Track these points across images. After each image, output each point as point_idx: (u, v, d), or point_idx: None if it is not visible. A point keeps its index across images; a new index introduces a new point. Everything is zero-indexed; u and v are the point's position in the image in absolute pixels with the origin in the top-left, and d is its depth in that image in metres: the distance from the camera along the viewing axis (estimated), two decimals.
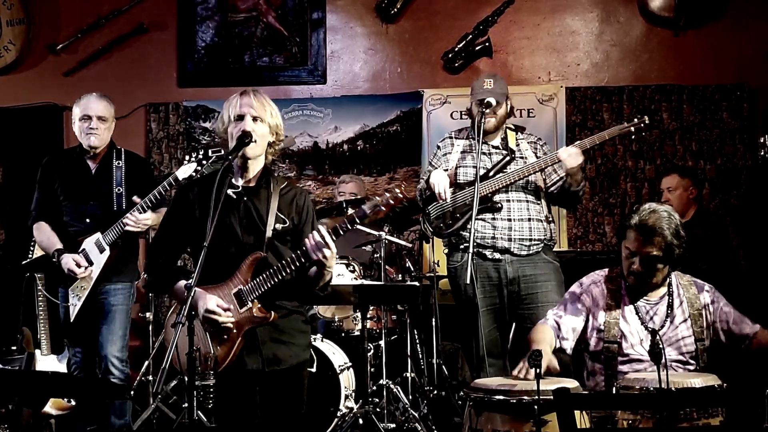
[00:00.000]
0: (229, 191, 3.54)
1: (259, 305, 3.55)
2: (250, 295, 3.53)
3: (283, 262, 3.50)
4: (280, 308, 3.61)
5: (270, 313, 3.55)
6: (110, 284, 5.04)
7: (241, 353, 3.56)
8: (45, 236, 5.04)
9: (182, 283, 3.61)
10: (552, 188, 4.98)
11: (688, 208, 5.98)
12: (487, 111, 4.89)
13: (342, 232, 3.47)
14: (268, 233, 3.57)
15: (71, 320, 4.99)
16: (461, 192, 4.91)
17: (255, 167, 3.66)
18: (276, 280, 3.51)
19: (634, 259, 3.77)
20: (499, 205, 4.85)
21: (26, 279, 5.65)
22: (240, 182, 3.63)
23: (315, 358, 5.56)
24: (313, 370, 5.49)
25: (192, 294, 3.26)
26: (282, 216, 3.62)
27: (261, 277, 3.52)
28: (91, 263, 4.95)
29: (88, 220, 5.01)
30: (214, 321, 3.49)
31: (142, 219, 4.83)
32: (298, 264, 3.48)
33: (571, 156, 4.74)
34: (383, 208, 3.42)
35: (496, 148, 5.01)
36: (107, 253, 4.94)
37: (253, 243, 3.58)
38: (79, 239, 4.98)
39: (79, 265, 4.90)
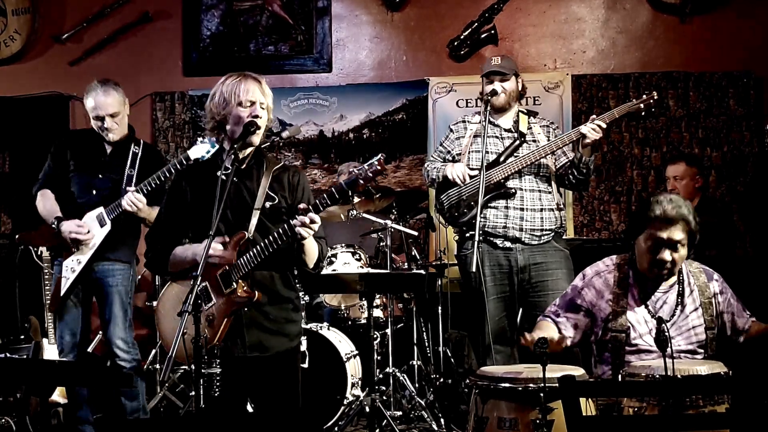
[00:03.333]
0: (221, 173, 3.53)
1: (245, 286, 3.53)
2: (236, 275, 3.53)
3: (267, 239, 3.49)
4: (270, 294, 3.60)
5: (254, 293, 3.53)
6: (106, 263, 5.00)
7: (227, 337, 3.54)
8: (48, 203, 5.03)
9: (179, 248, 3.65)
10: (561, 171, 4.97)
11: (694, 197, 5.98)
12: (498, 89, 4.94)
13: (322, 208, 3.46)
14: (255, 212, 3.58)
15: (62, 293, 4.94)
16: (473, 179, 4.88)
17: (248, 149, 3.67)
18: (260, 258, 3.50)
19: (662, 248, 3.71)
20: (513, 190, 4.84)
21: (20, 252, 5.57)
22: (229, 163, 3.61)
23: (307, 354, 5.55)
24: (305, 365, 5.47)
25: (197, 282, 3.25)
26: (272, 194, 3.63)
27: (246, 257, 3.51)
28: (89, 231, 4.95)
29: (94, 192, 5.00)
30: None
31: (137, 199, 4.78)
32: (281, 240, 3.47)
33: (597, 133, 4.72)
34: (361, 181, 3.43)
35: (508, 131, 5.01)
36: (108, 227, 4.91)
37: (240, 222, 3.58)
38: (83, 212, 4.98)
39: (80, 226, 4.89)
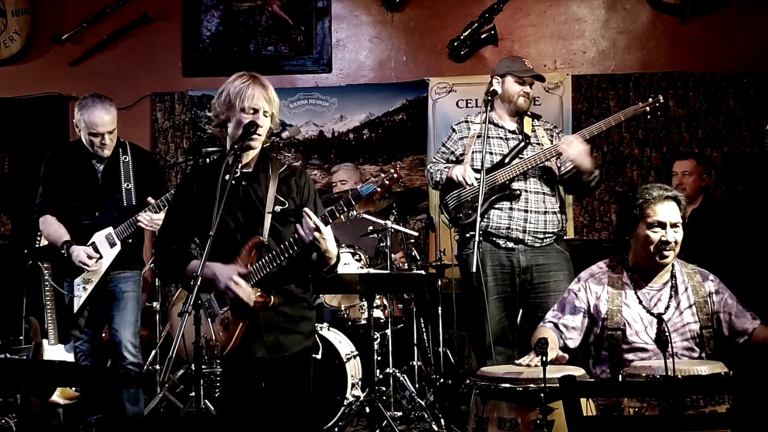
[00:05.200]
0: (227, 177, 3.52)
1: (259, 290, 3.54)
2: (251, 280, 3.53)
3: (281, 247, 3.51)
4: (284, 294, 3.61)
5: (270, 298, 3.54)
6: (119, 272, 5.05)
7: (244, 340, 3.55)
8: (52, 229, 5.01)
9: (195, 262, 3.61)
10: (565, 175, 4.96)
11: (698, 196, 6.01)
12: (528, 90, 4.98)
13: (338, 215, 3.49)
14: (267, 216, 3.58)
15: (74, 311, 4.99)
16: (478, 180, 4.87)
17: (253, 152, 3.67)
18: (275, 265, 3.52)
19: (665, 229, 3.79)
20: (518, 192, 4.83)
21: (28, 267, 5.63)
22: (238, 168, 3.61)
23: (320, 345, 5.57)
24: (318, 356, 5.50)
25: (197, 283, 3.25)
26: (281, 198, 3.63)
27: (261, 262, 3.53)
28: (100, 256, 4.96)
29: (97, 214, 5.02)
30: (235, 293, 3.46)
31: (155, 219, 4.83)
32: (293, 250, 3.49)
33: (571, 145, 4.75)
34: (378, 189, 3.44)
35: (513, 133, 5.00)
36: (118, 247, 4.97)
37: (253, 226, 3.58)
38: (90, 233, 4.99)
39: (90, 257, 4.90)
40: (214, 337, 3.50)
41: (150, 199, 4.90)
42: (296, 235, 3.48)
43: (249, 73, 3.68)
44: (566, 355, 3.72)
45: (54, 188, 5.06)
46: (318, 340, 5.53)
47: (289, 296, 3.64)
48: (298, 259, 3.63)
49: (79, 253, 4.90)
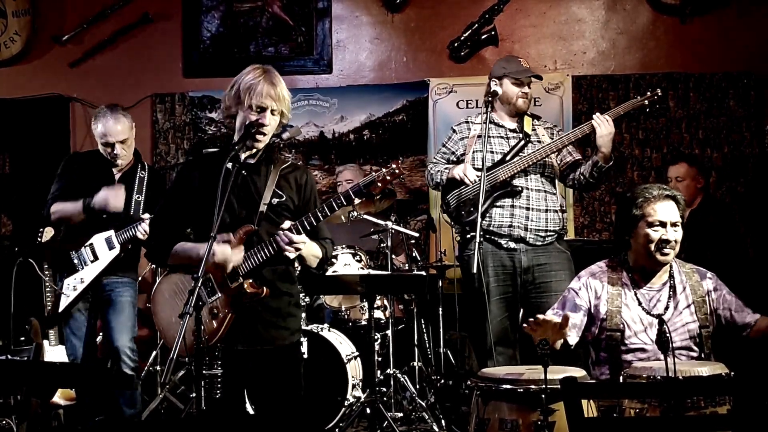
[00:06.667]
0: (229, 164, 3.53)
1: (251, 280, 3.54)
2: (241, 268, 3.53)
3: (270, 239, 3.52)
4: (271, 288, 3.60)
5: (262, 289, 3.54)
6: (115, 277, 5.09)
7: (230, 330, 3.54)
8: (66, 206, 5.01)
9: (183, 244, 3.61)
10: (567, 170, 4.96)
11: (696, 197, 5.99)
12: (527, 90, 4.98)
13: (336, 207, 3.48)
14: (262, 207, 3.58)
15: (59, 310, 5.02)
16: (479, 178, 4.87)
17: (259, 144, 3.67)
18: (264, 255, 3.53)
19: (665, 228, 3.80)
20: (519, 188, 4.84)
21: (17, 264, 5.59)
22: (242, 156, 3.62)
23: (305, 345, 5.55)
24: (305, 356, 5.48)
25: (198, 284, 3.25)
26: (279, 192, 3.64)
27: (251, 251, 3.53)
28: (96, 258, 4.99)
29: (104, 216, 5.03)
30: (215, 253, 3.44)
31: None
32: (274, 250, 3.51)
33: (603, 124, 4.72)
34: (379, 184, 3.45)
35: (513, 131, 5.01)
36: (116, 251, 5.01)
37: (246, 216, 3.59)
38: (90, 233, 5.01)
39: (111, 189, 4.91)
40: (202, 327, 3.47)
41: (144, 216, 4.95)
42: (275, 238, 3.50)
43: (263, 68, 3.66)
44: (569, 314, 3.73)
45: (68, 185, 5.11)
46: (306, 351, 5.51)
47: (274, 290, 3.62)
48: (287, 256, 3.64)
49: (100, 195, 4.90)
